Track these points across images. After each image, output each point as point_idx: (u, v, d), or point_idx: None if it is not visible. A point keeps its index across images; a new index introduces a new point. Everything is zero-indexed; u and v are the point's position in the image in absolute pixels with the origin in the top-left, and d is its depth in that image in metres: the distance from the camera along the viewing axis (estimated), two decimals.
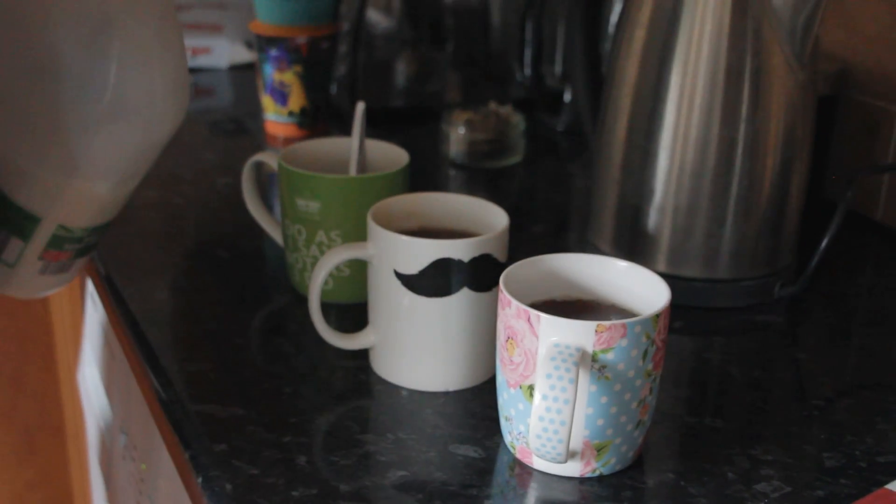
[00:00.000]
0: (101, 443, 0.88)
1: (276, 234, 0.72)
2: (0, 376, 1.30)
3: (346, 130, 0.76)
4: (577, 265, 0.54)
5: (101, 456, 0.88)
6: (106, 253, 0.73)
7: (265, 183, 0.87)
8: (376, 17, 1.06)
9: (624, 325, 0.47)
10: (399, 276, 0.55)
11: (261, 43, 0.99)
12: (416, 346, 0.57)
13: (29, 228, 0.58)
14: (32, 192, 0.56)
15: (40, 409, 1.33)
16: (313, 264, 0.66)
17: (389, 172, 0.66)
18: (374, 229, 0.56)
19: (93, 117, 0.54)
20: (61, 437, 1.36)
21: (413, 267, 0.55)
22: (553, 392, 0.46)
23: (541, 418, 0.46)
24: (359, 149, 0.69)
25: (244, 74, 1.24)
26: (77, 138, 0.54)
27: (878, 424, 0.56)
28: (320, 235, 0.65)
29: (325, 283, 0.61)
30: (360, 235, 0.64)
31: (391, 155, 0.70)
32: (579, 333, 0.47)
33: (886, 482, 0.50)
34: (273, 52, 0.98)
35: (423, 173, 0.95)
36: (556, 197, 0.95)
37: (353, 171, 0.68)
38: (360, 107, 0.70)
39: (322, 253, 0.65)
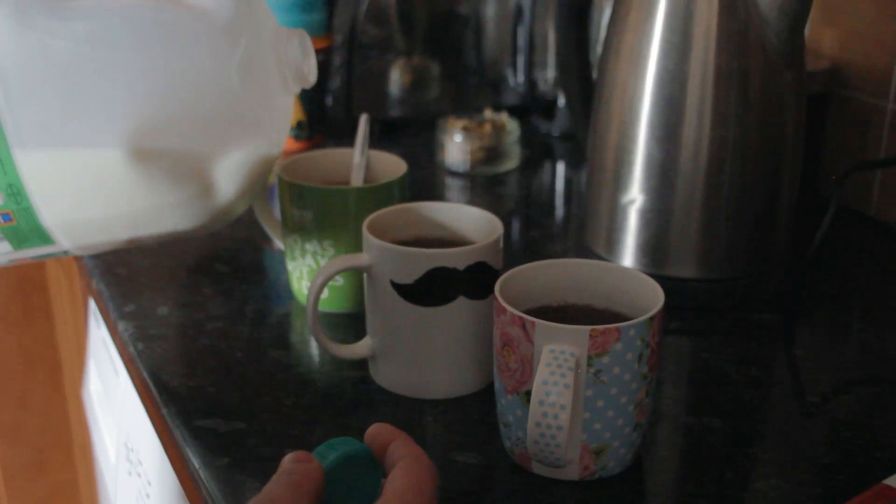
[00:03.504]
0: (107, 459, 0.88)
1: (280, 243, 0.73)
2: (7, 395, 1.30)
3: (341, 142, 0.77)
4: (571, 270, 0.55)
5: (108, 472, 0.89)
6: (105, 270, 0.74)
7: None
8: (369, 29, 1.07)
9: (618, 329, 0.47)
10: (395, 286, 0.56)
11: None
12: (414, 355, 0.57)
13: None
14: None
15: (48, 427, 1.34)
16: (309, 273, 0.67)
17: (381, 183, 0.66)
18: (370, 240, 0.57)
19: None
20: (70, 454, 1.36)
21: (409, 277, 0.55)
22: (549, 398, 0.46)
23: (538, 424, 0.47)
24: (363, 159, 0.69)
25: None
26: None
27: (876, 420, 0.56)
28: (313, 245, 0.66)
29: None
30: (353, 245, 0.65)
31: (391, 165, 0.70)
32: (574, 339, 0.47)
33: (884, 477, 0.50)
34: None
35: (420, 182, 0.95)
36: (553, 202, 0.96)
37: (356, 182, 0.69)
38: (364, 118, 0.70)
39: (316, 262, 0.66)
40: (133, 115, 0.53)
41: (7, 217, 0.54)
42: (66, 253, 0.58)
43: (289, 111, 0.62)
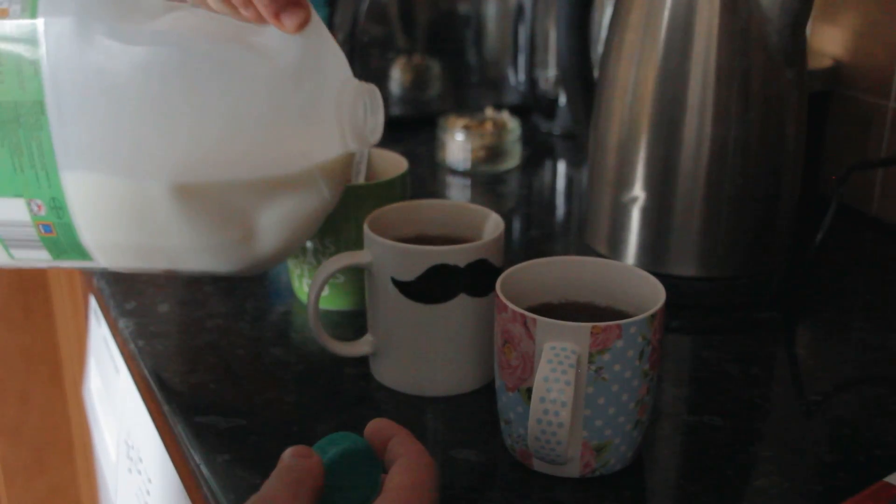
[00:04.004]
0: (107, 456, 0.88)
1: None
2: (8, 393, 1.31)
3: None
4: (573, 268, 0.55)
5: (108, 469, 0.89)
6: None
7: None
8: (370, 27, 1.07)
9: (619, 326, 0.47)
10: (396, 283, 0.56)
11: None
12: (414, 353, 0.57)
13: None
14: None
15: (48, 425, 1.34)
16: (310, 271, 0.67)
17: (383, 181, 0.66)
18: (371, 237, 0.57)
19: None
20: (70, 451, 1.36)
21: (410, 274, 0.55)
22: (550, 395, 0.46)
23: (539, 421, 0.47)
24: (364, 157, 0.69)
25: None
26: None
27: (876, 418, 0.56)
28: (314, 242, 0.66)
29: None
30: (354, 243, 0.65)
31: (392, 163, 0.70)
32: (575, 336, 0.47)
33: (885, 475, 0.50)
34: None
35: (421, 180, 0.95)
36: (553, 200, 0.96)
37: (357, 180, 0.69)
38: None
39: (316, 259, 0.66)
40: (178, 151, 0.52)
41: (48, 228, 0.54)
42: (104, 269, 0.58)
43: (346, 170, 0.58)
